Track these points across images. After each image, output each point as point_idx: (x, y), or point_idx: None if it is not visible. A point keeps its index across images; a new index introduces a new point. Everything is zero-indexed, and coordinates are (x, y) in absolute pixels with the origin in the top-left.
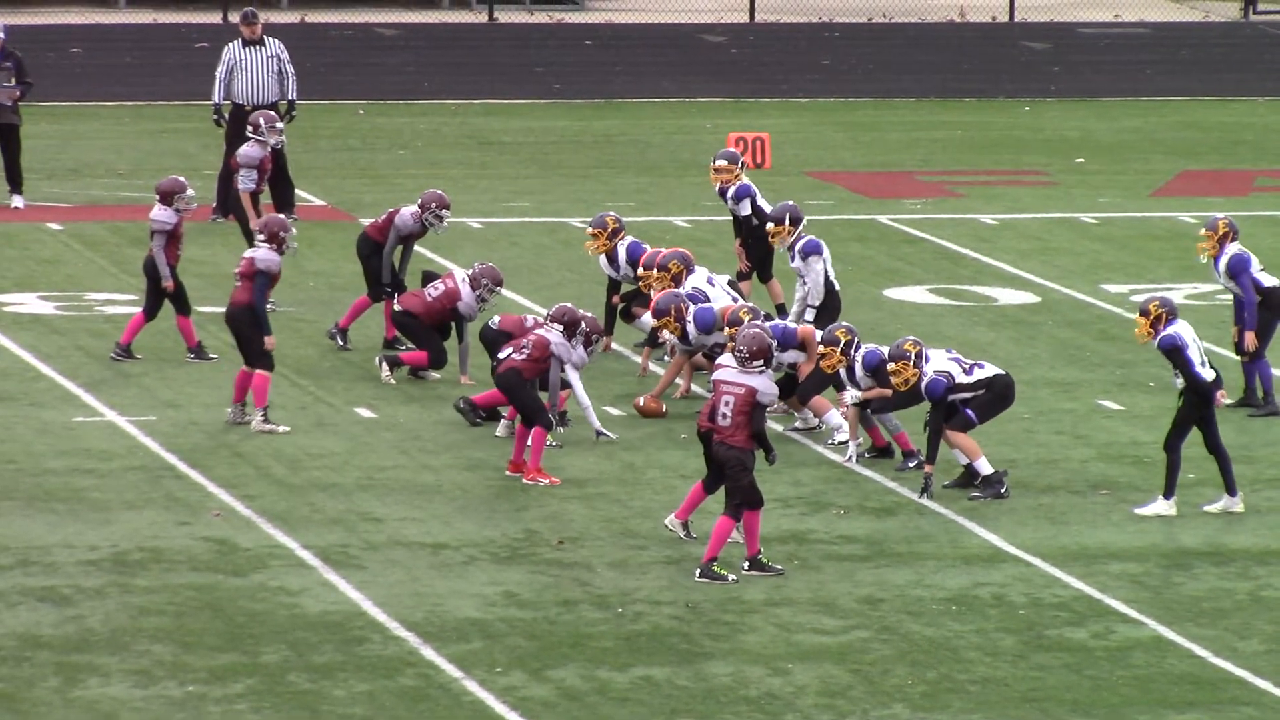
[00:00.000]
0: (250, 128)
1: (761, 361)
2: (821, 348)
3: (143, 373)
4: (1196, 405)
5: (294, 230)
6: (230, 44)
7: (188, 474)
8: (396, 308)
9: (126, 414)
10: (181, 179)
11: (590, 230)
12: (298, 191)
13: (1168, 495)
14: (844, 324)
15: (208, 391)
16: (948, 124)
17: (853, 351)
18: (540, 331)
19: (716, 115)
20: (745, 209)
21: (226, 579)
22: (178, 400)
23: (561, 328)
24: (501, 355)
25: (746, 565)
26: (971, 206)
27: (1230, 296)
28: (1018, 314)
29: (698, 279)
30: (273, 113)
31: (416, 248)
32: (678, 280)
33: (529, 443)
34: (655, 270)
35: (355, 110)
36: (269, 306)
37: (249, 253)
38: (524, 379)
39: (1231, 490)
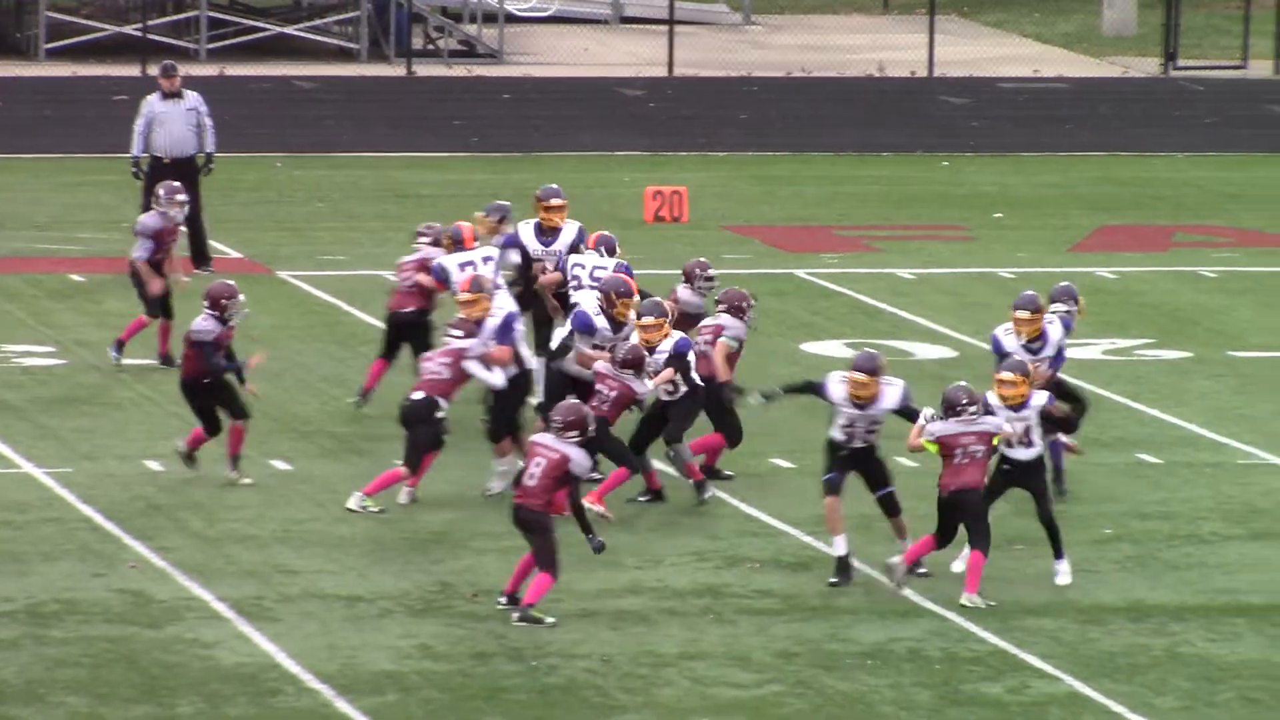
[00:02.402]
0: (153, 197)
1: (577, 432)
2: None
3: (59, 425)
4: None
5: (241, 297)
6: (149, 97)
7: (104, 526)
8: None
9: (43, 465)
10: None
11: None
12: (214, 244)
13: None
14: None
15: (124, 444)
16: (866, 178)
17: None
18: (613, 377)
19: (634, 169)
20: (514, 256)
21: (142, 631)
22: (95, 453)
23: (632, 370)
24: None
25: (517, 615)
26: (889, 261)
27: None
28: (935, 369)
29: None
30: (176, 184)
31: (331, 299)
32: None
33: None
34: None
35: (273, 163)
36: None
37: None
38: (607, 426)
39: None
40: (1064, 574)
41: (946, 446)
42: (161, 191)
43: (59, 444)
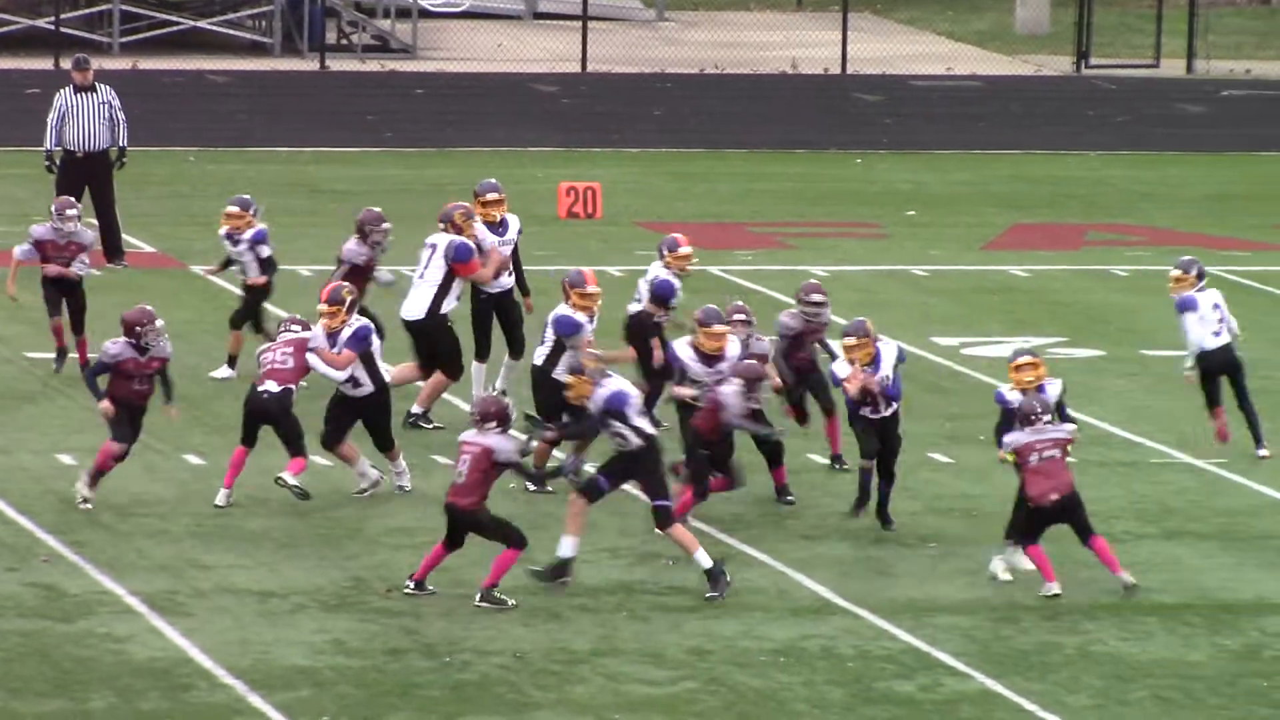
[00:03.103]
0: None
1: (495, 423)
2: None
3: None
4: None
5: (159, 324)
6: (62, 90)
7: (16, 520)
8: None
9: None
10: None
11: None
12: (128, 238)
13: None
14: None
15: (36, 437)
16: (780, 175)
17: None
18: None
19: (548, 164)
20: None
21: (54, 625)
22: (7, 446)
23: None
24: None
25: (479, 596)
26: (803, 258)
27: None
28: None
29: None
30: (70, 199)
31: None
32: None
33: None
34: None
35: (186, 157)
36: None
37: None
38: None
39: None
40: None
41: (1022, 455)
42: (54, 207)
43: None
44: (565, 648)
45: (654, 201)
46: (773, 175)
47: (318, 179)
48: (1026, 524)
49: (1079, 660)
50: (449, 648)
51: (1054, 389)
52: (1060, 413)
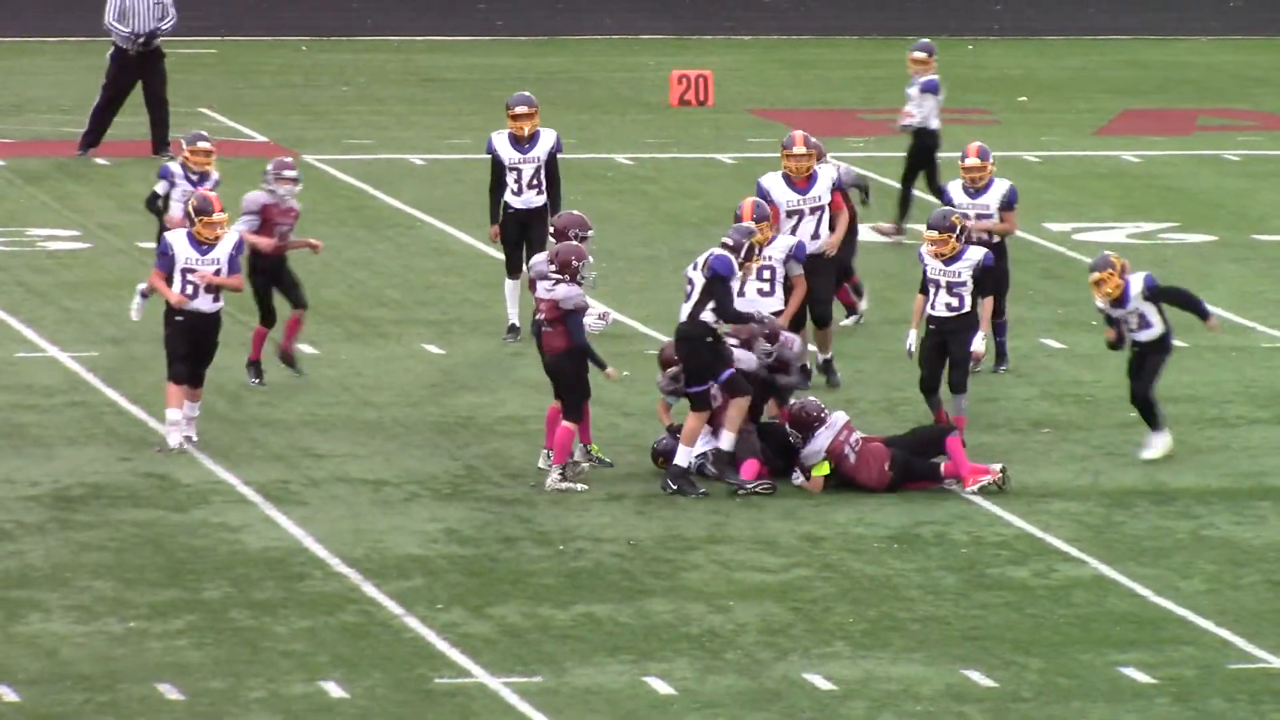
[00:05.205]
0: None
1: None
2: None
3: (84, 308)
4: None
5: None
6: None
7: (129, 410)
8: None
9: (68, 350)
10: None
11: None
12: (240, 127)
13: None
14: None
15: (150, 327)
16: (890, 62)
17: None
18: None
19: (659, 52)
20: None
21: (168, 515)
22: (120, 336)
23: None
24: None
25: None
26: None
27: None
28: None
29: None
30: (288, 159)
31: (358, 183)
32: None
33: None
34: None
35: (298, 46)
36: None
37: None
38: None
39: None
40: (1152, 448)
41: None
42: (270, 166)
43: (84, 328)
44: (679, 535)
45: (765, 89)
46: (884, 62)
47: (429, 68)
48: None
49: (1192, 545)
50: (563, 536)
51: (1136, 286)
52: (1161, 297)
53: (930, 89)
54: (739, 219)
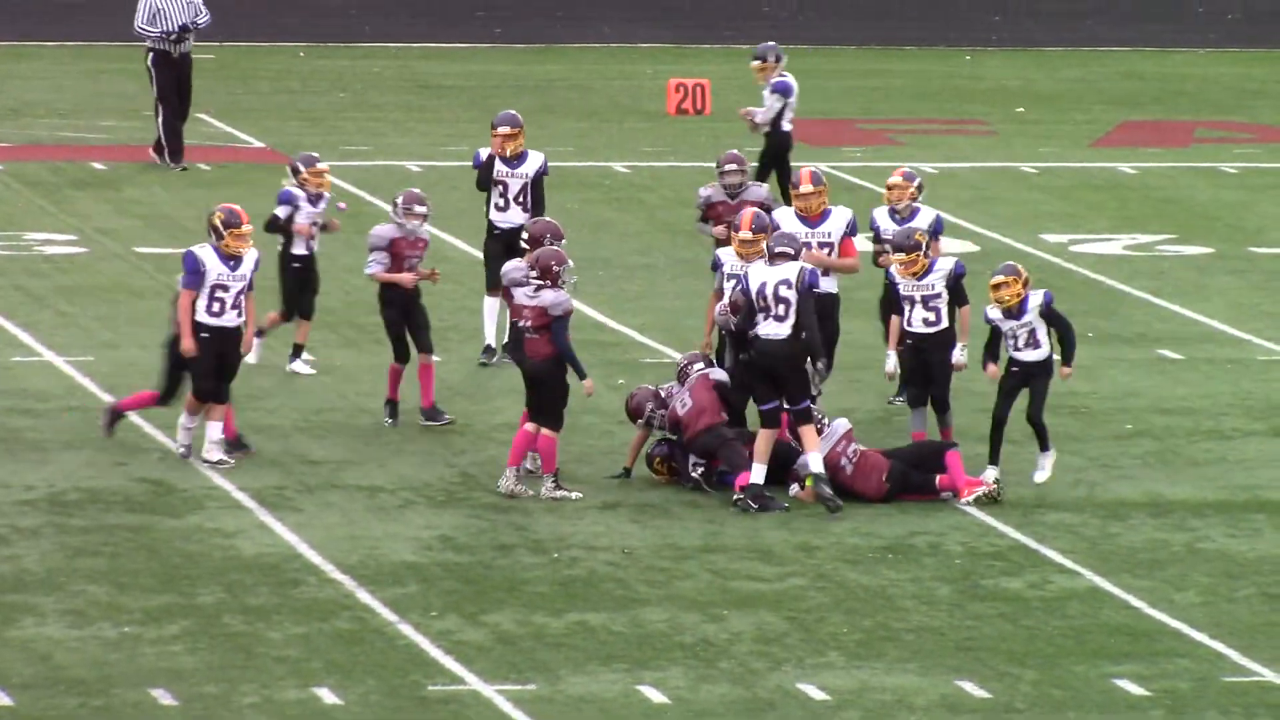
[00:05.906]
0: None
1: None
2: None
3: (80, 313)
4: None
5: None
6: None
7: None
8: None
9: (64, 354)
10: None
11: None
12: (236, 133)
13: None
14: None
15: (145, 331)
16: (888, 72)
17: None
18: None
19: (658, 61)
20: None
21: (163, 520)
22: (116, 341)
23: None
24: None
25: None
26: (911, 155)
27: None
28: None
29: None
30: (418, 192)
31: (354, 189)
32: None
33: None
34: None
35: (296, 52)
36: None
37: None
38: None
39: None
40: (1045, 470)
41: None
42: (400, 199)
43: (80, 332)
44: (673, 544)
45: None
46: (881, 72)
47: (426, 75)
48: None
49: (1187, 558)
50: (557, 544)
51: (1035, 300)
52: (1053, 319)
53: (781, 90)
54: (737, 229)
